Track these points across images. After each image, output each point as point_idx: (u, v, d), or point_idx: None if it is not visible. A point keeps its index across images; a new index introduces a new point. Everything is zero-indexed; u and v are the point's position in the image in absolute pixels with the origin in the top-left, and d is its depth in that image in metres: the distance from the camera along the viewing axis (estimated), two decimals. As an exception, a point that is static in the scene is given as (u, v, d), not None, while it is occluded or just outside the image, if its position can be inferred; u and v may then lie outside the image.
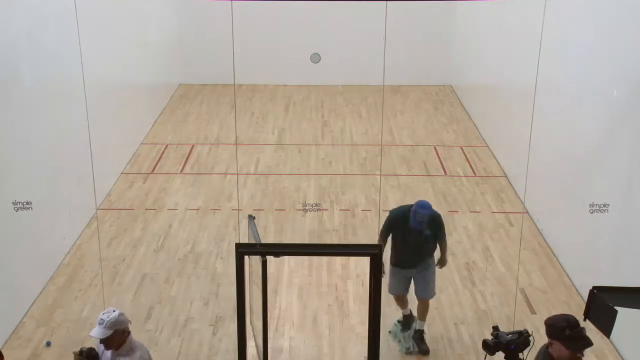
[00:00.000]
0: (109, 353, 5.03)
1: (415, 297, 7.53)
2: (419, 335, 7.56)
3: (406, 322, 7.69)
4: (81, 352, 5.02)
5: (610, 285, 4.74)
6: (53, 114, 8.87)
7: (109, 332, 4.89)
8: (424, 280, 7.39)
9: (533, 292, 8.55)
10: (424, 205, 7.04)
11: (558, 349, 4.57)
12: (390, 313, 8.07)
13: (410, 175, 11.90)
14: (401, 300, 7.64)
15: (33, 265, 8.38)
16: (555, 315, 4.80)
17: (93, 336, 4.90)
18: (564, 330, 4.54)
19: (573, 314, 4.72)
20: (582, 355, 4.63)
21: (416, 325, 7.59)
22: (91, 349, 5.04)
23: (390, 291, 7.55)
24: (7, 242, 7.70)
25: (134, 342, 5.05)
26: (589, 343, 4.60)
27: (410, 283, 7.50)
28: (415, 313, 7.63)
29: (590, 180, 8.37)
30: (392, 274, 7.48)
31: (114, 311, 4.95)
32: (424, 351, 7.47)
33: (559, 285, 8.74)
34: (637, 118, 7.32)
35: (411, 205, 7.13)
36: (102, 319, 4.90)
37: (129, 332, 5.02)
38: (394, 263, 7.40)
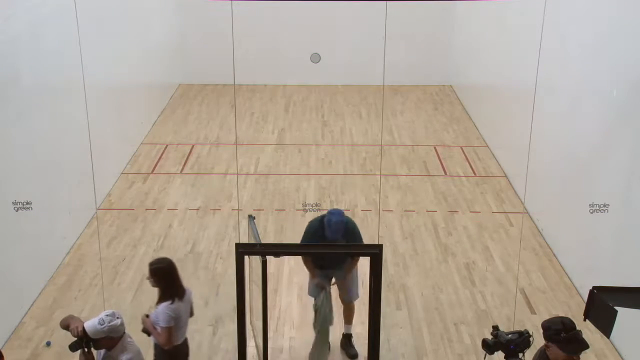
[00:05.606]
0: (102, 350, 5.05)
1: (340, 303, 7.36)
2: (347, 340, 7.43)
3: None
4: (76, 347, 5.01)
5: (610, 285, 4.74)
6: (53, 114, 8.87)
7: (101, 335, 4.90)
8: (345, 281, 7.14)
9: (533, 292, 8.55)
10: (334, 213, 6.84)
11: (554, 351, 4.58)
12: (390, 313, 8.08)
13: (410, 175, 11.90)
14: None
15: (33, 265, 8.38)
16: (552, 318, 4.81)
17: (87, 328, 4.91)
18: (559, 333, 4.55)
19: (572, 315, 4.74)
20: (578, 358, 4.64)
21: (343, 329, 7.45)
22: (80, 340, 5.00)
23: (311, 293, 7.35)
24: (7, 242, 7.70)
25: (127, 343, 5.04)
26: (584, 346, 4.62)
27: (330, 284, 7.21)
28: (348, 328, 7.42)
29: (590, 180, 8.37)
30: (311, 275, 7.31)
31: (117, 318, 4.95)
32: (352, 355, 7.35)
33: (559, 285, 8.74)
34: (637, 118, 7.32)
35: (324, 216, 6.93)
36: (102, 320, 4.90)
37: (121, 336, 5.01)
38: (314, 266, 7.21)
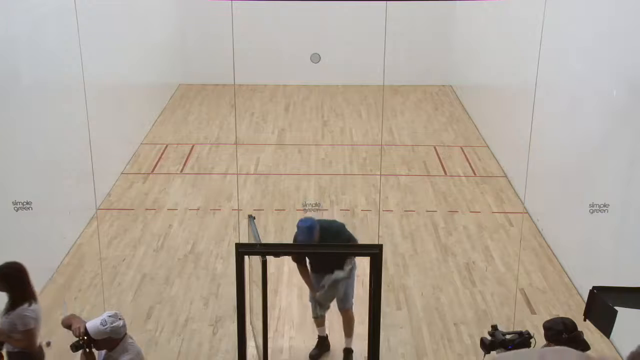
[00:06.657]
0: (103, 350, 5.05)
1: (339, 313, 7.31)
2: (347, 356, 7.30)
3: (320, 345, 7.40)
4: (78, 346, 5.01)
5: (610, 285, 4.75)
6: (53, 114, 8.87)
7: (103, 336, 4.89)
8: (340, 287, 7.05)
9: (533, 292, 8.55)
10: (303, 219, 6.86)
11: (555, 351, 4.58)
12: (390, 313, 8.08)
13: (410, 175, 11.90)
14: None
15: (33, 265, 8.33)
16: (553, 319, 4.82)
17: (89, 329, 4.90)
18: (561, 334, 4.56)
19: (573, 315, 4.73)
20: None
21: (344, 343, 7.35)
22: (83, 341, 5.00)
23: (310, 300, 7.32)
24: (7, 242, 7.70)
25: (128, 344, 5.02)
26: (585, 347, 4.62)
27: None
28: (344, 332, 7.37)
29: (590, 180, 8.37)
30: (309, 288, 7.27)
31: (119, 319, 4.94)
32: None
33: (559, 285, 8.74)
34: (637, 118, 7.32)
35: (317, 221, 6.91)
36: (105, 321, 4.89)
37: (122, 337, 5.00)
38: (310, 270, 7.18)
